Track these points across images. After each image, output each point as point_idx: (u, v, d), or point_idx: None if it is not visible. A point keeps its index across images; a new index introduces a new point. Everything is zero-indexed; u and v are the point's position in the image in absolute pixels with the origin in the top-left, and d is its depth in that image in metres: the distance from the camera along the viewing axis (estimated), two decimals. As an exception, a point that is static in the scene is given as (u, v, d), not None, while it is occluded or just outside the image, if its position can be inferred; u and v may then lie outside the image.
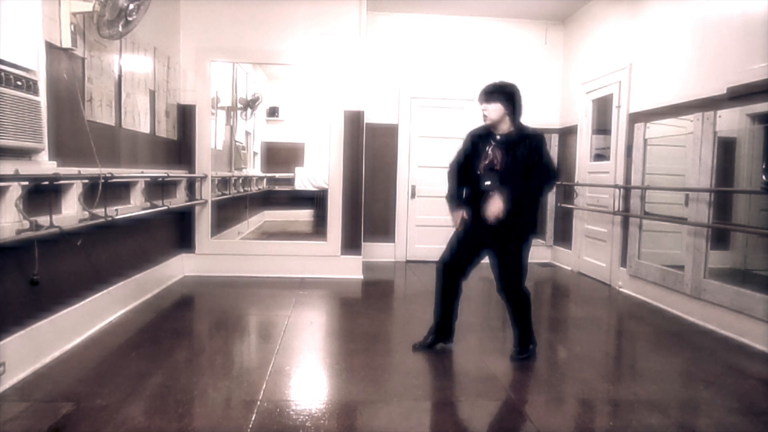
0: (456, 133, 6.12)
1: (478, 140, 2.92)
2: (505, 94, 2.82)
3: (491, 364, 2.91)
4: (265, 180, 7.91)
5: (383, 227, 6.16)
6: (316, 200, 7.45)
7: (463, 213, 2.90)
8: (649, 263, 4.44)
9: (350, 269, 5.07)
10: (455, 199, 2.95)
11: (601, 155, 5.42)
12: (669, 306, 4.14)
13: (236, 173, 6.53)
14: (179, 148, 4.84)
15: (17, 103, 2.36)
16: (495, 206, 2.70)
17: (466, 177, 2.93)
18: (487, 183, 2.81)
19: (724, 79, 3.59)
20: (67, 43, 2.87)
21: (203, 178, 4.99)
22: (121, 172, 3.49)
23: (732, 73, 3.53)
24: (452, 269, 2.97)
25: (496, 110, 2.81)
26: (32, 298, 2.63)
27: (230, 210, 6.08)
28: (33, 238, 2.49)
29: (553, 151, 6.29)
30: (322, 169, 6.31)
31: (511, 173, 2.77)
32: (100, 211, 3.08)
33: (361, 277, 5.04)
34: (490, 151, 2.83)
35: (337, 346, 3.21)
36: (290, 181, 8.01)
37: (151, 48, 4.14)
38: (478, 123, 6.28)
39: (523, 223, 2.83)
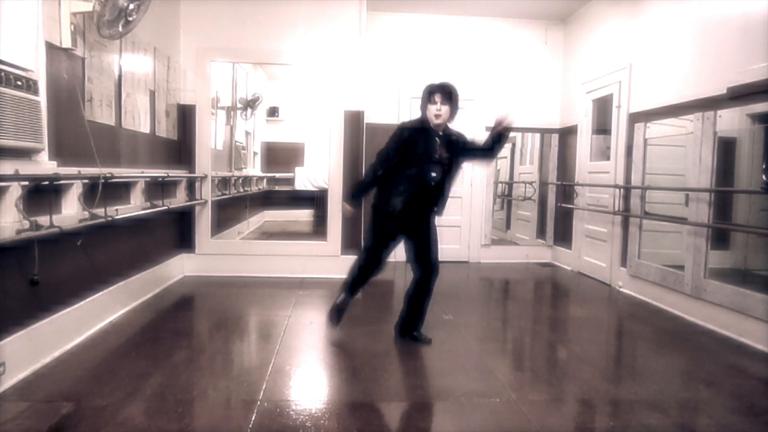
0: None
1: (416, 134, 3.04)
2: (455, 100, 3.04)
3: (491, 364, 2.91)
4: (265, 180, 7.91)
5: (383, 227, 6.14)
6: (316, 200, 7.46)
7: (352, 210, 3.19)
8: (649, 263, 4.44)
9: (350, 269, 5.06)
10: (361, 196, 3.18)
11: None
12: (669, 306, 4.15)
13: (236, 173, 6.53)
14: (179, 148, 4.84)
15: (17, 103, 2.36)
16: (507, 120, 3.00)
17: (388, 170, 3.06)
18: (434, 174, 3.01)
19: (724, 79, 3.59)
20: (67, 43, 2.87)
21: (203, 178, 4.99)
22: (121, 172, 3.49)
23: (732, 73, 3.53)
24: (377, 262, 3.28)
25: (447, 111, 3.01)
26: (32, 298, 2.64)
27: (230, 210, 6.08)
28: (33, 238, 2.49)
29: (553, 151, 6.31)
30: (322, 169, 6.32)
31: (454, 168, 3.11)
32: (100, 211, 3.08)
33: (361, 277, 5.03)
34: (437, 147, 3.02)
35: (337, 346, 3.21)
36: (290, 181, 8.02)
37: (151, 48, 4.14)
38: (477, 122, 6.19)
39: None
